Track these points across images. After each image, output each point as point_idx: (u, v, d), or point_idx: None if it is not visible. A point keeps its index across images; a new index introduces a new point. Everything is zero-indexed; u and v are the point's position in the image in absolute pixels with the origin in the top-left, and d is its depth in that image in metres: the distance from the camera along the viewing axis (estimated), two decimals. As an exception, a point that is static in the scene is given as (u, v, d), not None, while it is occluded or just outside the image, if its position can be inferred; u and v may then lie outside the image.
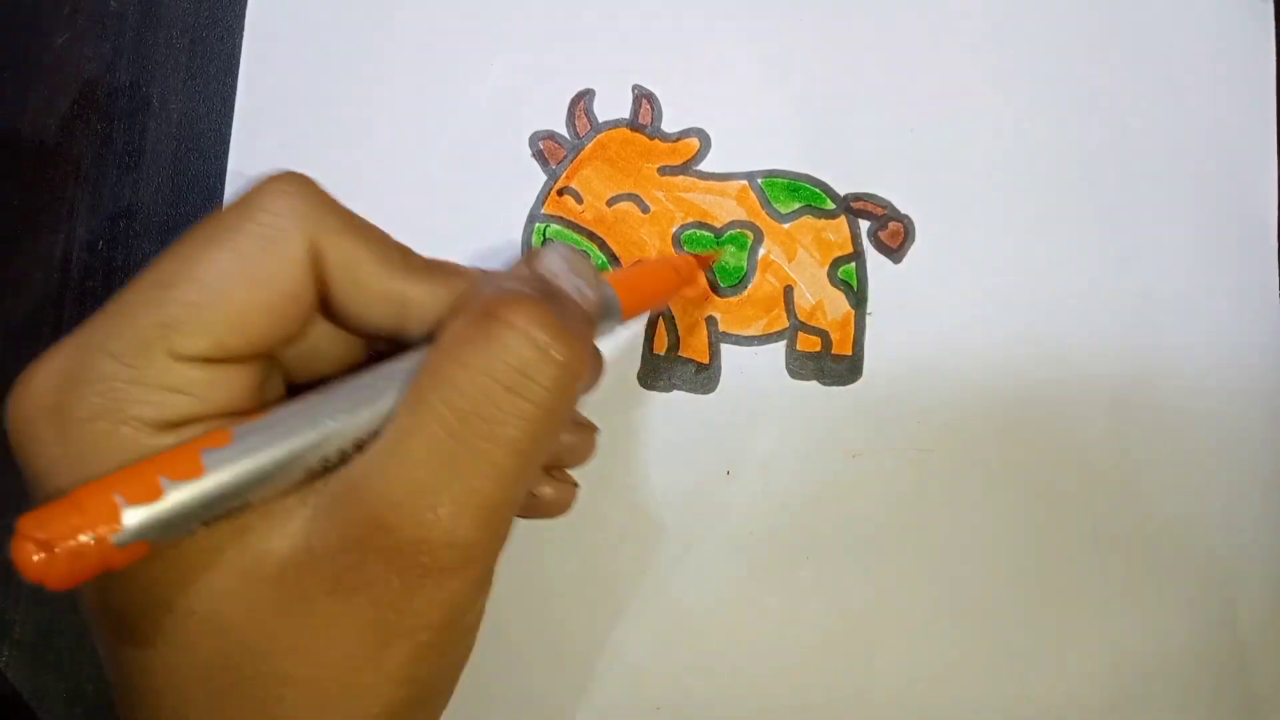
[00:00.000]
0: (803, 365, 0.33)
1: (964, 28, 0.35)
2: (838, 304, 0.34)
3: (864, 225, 0.34)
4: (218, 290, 0.18)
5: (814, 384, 0.33)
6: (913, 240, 0.34)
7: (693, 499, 0.33)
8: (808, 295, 0.34)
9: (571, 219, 0.34)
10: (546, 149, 0.34)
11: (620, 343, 0.33)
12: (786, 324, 0.33)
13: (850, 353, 0.33)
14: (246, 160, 0.34)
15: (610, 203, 0.34)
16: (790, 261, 0.34)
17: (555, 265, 0.22)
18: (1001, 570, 0.33)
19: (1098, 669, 0.33)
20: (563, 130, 0.34)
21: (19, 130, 0.35)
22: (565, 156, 0.34)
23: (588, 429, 0.27)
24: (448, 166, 0.34)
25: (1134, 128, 0.35)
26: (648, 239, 0.34)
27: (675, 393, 0.33)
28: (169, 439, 0.18)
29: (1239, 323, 0.34)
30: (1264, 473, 0.34)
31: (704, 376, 0.33)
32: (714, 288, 0.34)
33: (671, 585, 0.33)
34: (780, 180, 0.34)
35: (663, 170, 0.34)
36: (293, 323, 0.20)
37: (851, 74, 0.34)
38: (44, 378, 0.18)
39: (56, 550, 0.15)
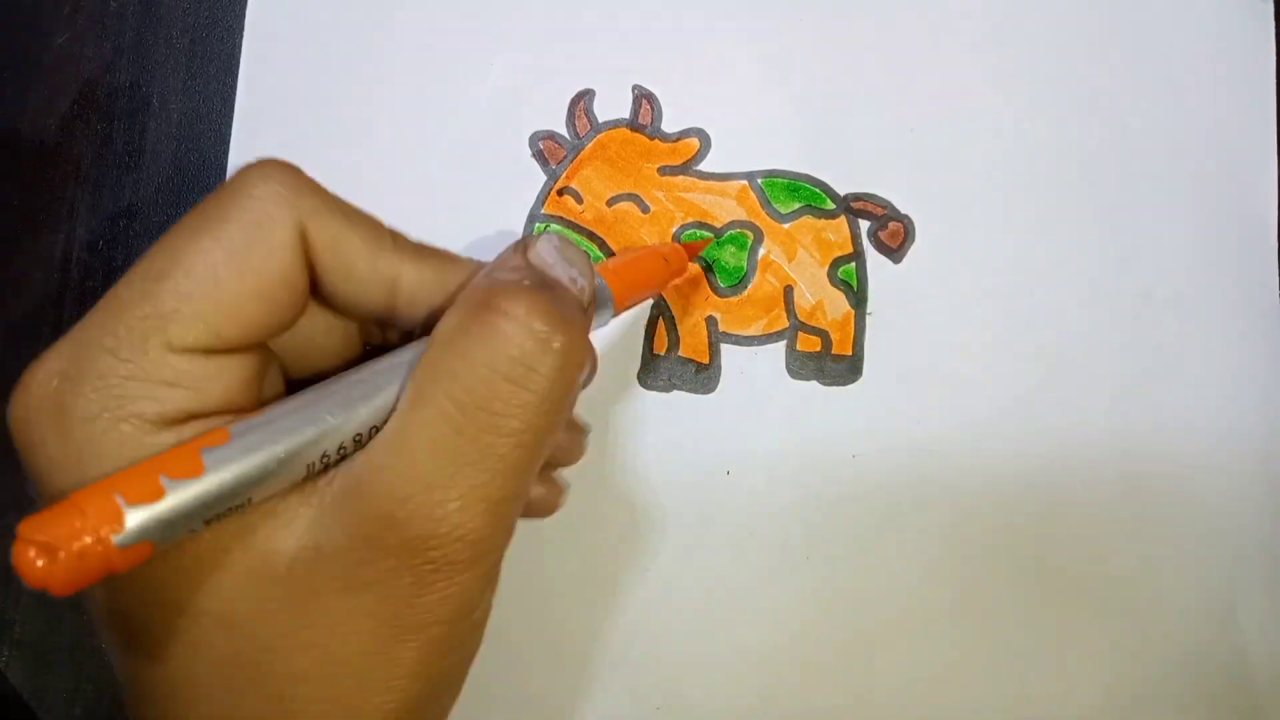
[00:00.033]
0: (803, 365, 0.33)
1: (964, 28, 0.35)
2: (838, 304, 0.34)
3: (864, 225, 0.34)
4: (209, 279, 0.18)
5: (814, 384, 0.33)
6: (913, 240, 0.34)
7: (693, 499, 0.33)
8: (808, 295, 0.34)
9: (571, 219, 0.34)
10: (546, 149, 0.34)
11: (620, 342, 0.33)
12: (786, 324, 0.33)
13: (850, 353, 0.33)
14: (246, 160, 0.34)
15: (610, 203, 0.34)
16: (790, 261, 0.34)
17: (549, 254, 0.22)
18: (1001, 570, 0.33)
19: (1098, 669, 0.33)
20: (563, 130, 0.34)
21: (19, 130, 0.35)
22: (565, 156, 0.34)
23: (578, 429, 0.27)
24: (448, 166, 0.34)
25: (1134, 128, 0.35)
26: (648, 239, 0.34)
27: (675, 393, 0.33)
28: (168, 436, 0.18)
29: (1239, 323, 0.34)
30: (1264, 472, 0.34)
31: (704, 376, 0.33)
32: (714, 288, 0.34)
33: (671, 585, 0.33)
34: (780, 180, 0.34)
35: (663, 170, 0.34)
36: (286, 308, 0.20)
37: (851, 74, 0.34)
38: (43, 378, 0.18)
39: (59, 555, 0.15)
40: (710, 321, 0.33)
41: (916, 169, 0.34)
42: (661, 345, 0.33)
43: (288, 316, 0.20)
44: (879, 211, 0.34)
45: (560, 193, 0.34)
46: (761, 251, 0.34)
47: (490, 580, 0.21)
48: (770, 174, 0.34)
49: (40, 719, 0.32)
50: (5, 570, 0.29)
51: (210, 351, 0.19)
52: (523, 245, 0.22)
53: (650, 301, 0.33)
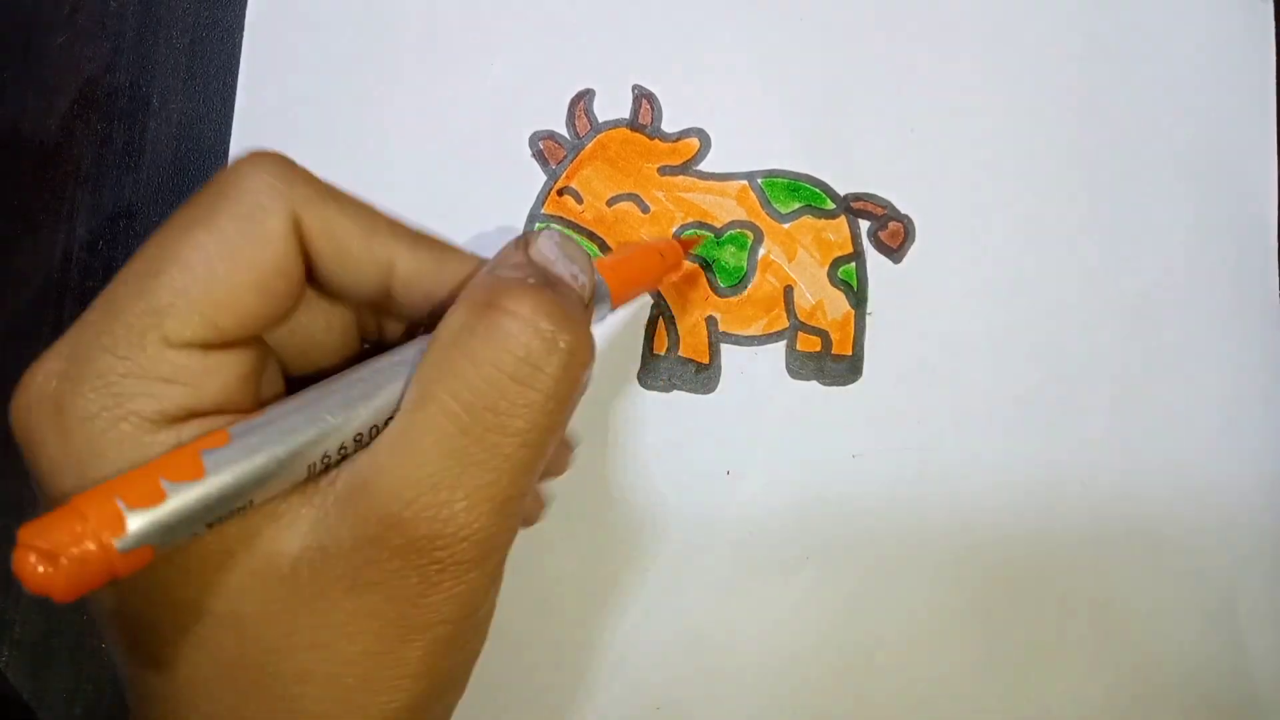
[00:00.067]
0: (803, 365, 0.33)
1: (964, 28, 0.35)
2: (838, 304, 0.34)
3: (864, 225, 0.34)
4: (204, 272, 0.18)
5: (814, 384, 0.33)
6: (913, 240, 0.34)
7: (692, 499, 0.33)
8: (808, 295, 0.34)
9: (571, 219, 0.34)
10: (546, 149, 0.34)
11: (620, 343, 0.33)
12: (786, 324, 0.33)
13: (850, 353, 0.33)
14: (246, 160, 0.34)
15: (610, 203, 0.34)
16: (790, 261, 0.34)
17: (550, 251, 0.22)
18: (1002, 571, 0.33)
19: (1098, 670, 0.33)
20: (563, 130, 0.34)
21: (19, 130, 0.35)
22: (565, 156, 0.34)
23: (565, 444, 0.27)
24: (448, 166, 0.34)
25: (1134, 128, 0.35)
26: (648, 239, 0.34)
27: (675, 393, 0.33)
28: (168, 435, 0.18)
29: (1239, 323, 0.34)
30: (1264, 472, 0.34)
31: (704, 376, 0.33)
32: (714, 288, 0.34)
33: (671, 585, 0.33)
34: (780, 180, 0.34)
35: (663, 170, 0.34)
36: (282, 298, 0.20)
37: (851, 74, 0.34)
38: (42, 379, 0.18)
39: (61, 560, 0.15)
40: (710, 321, 0.33)
41: (916, 169, 0.34)
42: (661, 345, 0.33)
43: (284, 307, 0.20)
44: (879, 211, 0.34)
45: (560, 192, 0.34)
46: (761, 251, 0.34)
47: (495, 579, 0.21)
48: (770, 174, 0.34)
49: (40, 719, 0.32)
50: (5, 571, 0.29)
51: (208, 346, 0.19)
52: (524, 242, 0.22)
53: (650, 301, 0.33)
